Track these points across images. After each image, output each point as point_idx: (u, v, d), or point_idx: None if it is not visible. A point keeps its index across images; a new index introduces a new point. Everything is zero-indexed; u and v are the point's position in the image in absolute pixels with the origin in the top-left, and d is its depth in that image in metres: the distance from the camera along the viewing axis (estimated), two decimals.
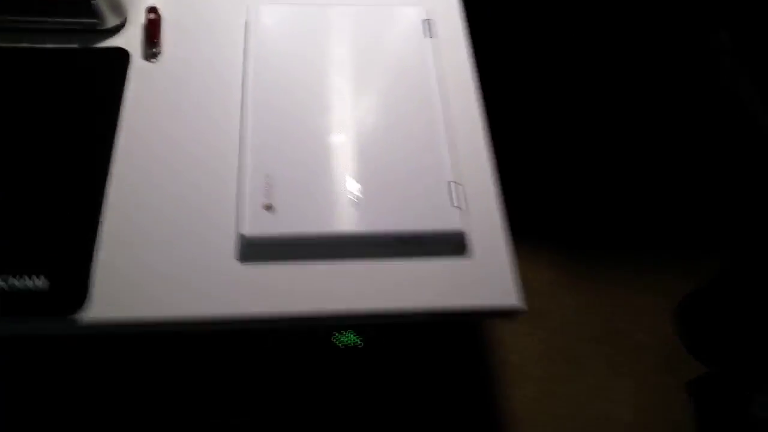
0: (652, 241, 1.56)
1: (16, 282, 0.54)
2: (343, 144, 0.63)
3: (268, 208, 0.58)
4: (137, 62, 0.69)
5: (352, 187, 0.60)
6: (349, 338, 0.61)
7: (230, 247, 0.58)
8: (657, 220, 1.59)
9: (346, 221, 0.58)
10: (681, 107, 1.74)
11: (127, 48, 0.70)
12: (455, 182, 0.62)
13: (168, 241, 0.58)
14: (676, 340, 1.45)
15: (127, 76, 0.67)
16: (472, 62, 0.73)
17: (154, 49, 0.69)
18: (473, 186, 0.64)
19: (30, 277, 0.54)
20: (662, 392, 1.38)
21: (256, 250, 0.58)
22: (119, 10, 0.69)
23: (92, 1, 0.66)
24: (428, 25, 0.73)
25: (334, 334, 0.62)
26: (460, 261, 0.60)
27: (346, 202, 0.59)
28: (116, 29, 0.71)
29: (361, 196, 0.60)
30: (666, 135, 1.70)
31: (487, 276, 0.59)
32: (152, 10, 0.71)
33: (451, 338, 1.30)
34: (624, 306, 1.49)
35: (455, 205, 0.60)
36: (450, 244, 0.60)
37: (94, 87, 0.66)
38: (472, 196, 0.63)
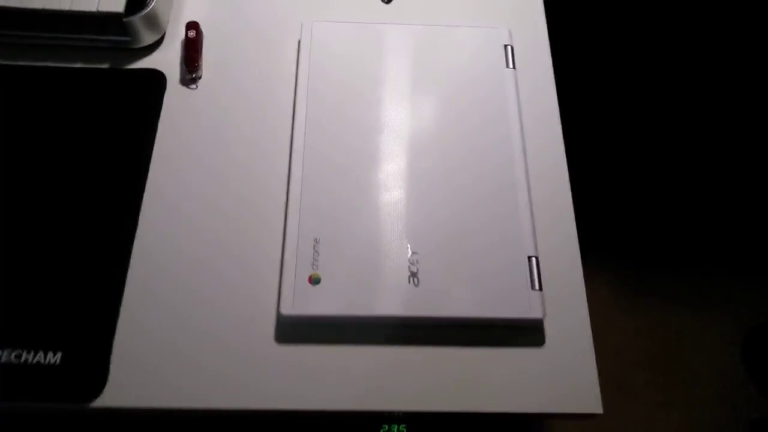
0: (722, 264, 1.44)
1: (29, 357, 0.47)
2: (403, 203, 0.54)
3: (315, 281, 0.50)
4: (174, 87, 0.61)
5: (411, 258, 0.51)
6: (399, 430, 0.53)
7: (268, 324, 0.51)
8: (730, 241, 1.46)
9: (403, 302, 0.50)
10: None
11: (164, 69, 0.61)
12: (536, 257, 0.52)
13: (196, 315, 0.51)
14: (738, 374, 1.34)
15: (163, 104, 0.59)
16: (556, 100, 0.62)
17: (193, 74, 0.60)
18: (554, 259, 0.54)
19: (45, 354, 0.48)
20: (717, 430, 1.29)
21: (298, 330, 0.50)
22: (156, 26, 0.61)
23: (125, 18, 0.57)
24: (511, 53, 0.62)
25: (384, 427, 0.54)
26: (535, 352, 0.51)
27: (405, 278, 0.50)
28: (153, 47, 0.62)
29: (421, 270, 0.51)
30: (747, 153, 1.54)
31: (565, 374, 0.50)
32: (192, 26, 0.62)
33: None
34: (685, 333, 1.38)
35: (535, 287, 0.51)
36: (525, 333, 0.51)
37: (124, 116, 0.58)
38: (551, 271, 0.54)
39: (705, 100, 1.59)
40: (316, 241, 0.52)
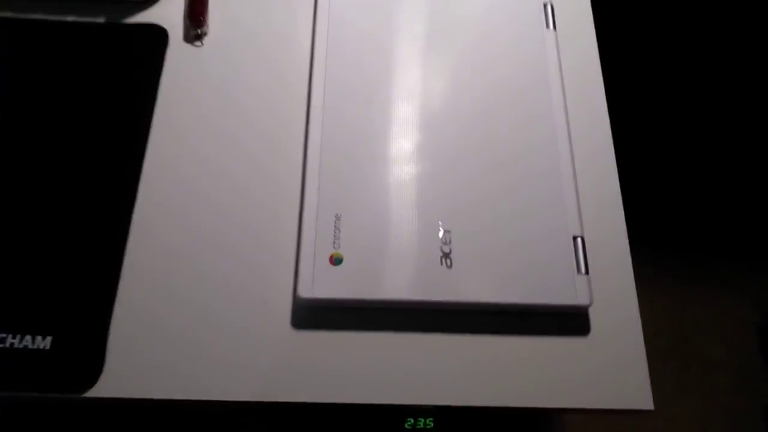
0: (739, 247, 1.39)
1: (15, 341, 0.42)
2: (434, 177, 0.48)
3: (336, 261, 0.45)
4: (177, 44, 0.55)
5: (443, 237, 0.46)
6: (426, 423, 0.48)
7: (283, 307, 0.46)
8: (748, 224, 1.41)
9: (434, 286, 0.44)
10: None
11: (166, 24, 0.55)
12: (581, 237, 0.47)
13: (201, 296, 0.46)
14: (755, 358, 1.30)
15: (164, 63, 0.53)
16: (599, 69, 0.56)
17: (198, 30, 0.54)
18: (599, 237, 0.49)
19: (33, 338, 0.42)
20: (734, 415, 1.25)
21: (316, 314, 0.45)
22: None
23: None
24: (551, 12, 0.56)
25: (409, 420, 0.50)
26: (579, 342, 0.46)
27: (436, 259, 0.45)
28: None
29: (454, 250, 0.45)
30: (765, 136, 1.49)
31: (612, 366, 0.46)
32: None
33: None
34: (701, 316, 1.34)
35: (581, 271, 0.46)
36: (568, 321, 0.46)
37: (121, 77, 0.52)
38: (597, 251, 0.49)
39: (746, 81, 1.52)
40: (337, 217, 0.46)
